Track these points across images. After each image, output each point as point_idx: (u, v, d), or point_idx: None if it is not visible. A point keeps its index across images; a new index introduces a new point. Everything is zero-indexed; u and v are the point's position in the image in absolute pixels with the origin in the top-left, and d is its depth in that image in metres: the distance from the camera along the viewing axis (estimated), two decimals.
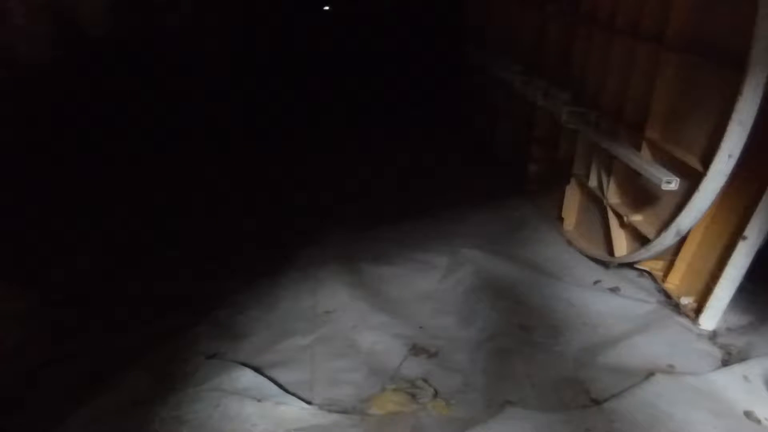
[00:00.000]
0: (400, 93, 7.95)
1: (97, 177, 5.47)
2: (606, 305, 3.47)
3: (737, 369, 2.84)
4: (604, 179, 3.75)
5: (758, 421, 2.60)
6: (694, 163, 2.98)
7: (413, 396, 2.90)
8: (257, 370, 3.08)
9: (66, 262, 4.31)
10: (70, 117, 5.50)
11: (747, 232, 2.92)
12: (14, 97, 5.06)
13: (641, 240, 3.44)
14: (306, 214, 5.00)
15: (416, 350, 3.24)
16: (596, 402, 2.78)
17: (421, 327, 3.46)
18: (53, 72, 5.35)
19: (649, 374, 2.85)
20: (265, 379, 3.01)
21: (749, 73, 2.62)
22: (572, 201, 4.19)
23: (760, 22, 2.56)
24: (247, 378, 3.00)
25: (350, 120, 7.22)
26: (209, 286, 4.00)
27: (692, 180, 2.97)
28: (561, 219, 4.31)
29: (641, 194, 3.45)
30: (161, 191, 5.46)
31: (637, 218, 3.48)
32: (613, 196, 3.71)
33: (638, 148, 3.38)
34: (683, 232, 3.11)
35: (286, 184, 5.65)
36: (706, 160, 2.87)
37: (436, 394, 2.91)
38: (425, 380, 3.00)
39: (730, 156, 2.77)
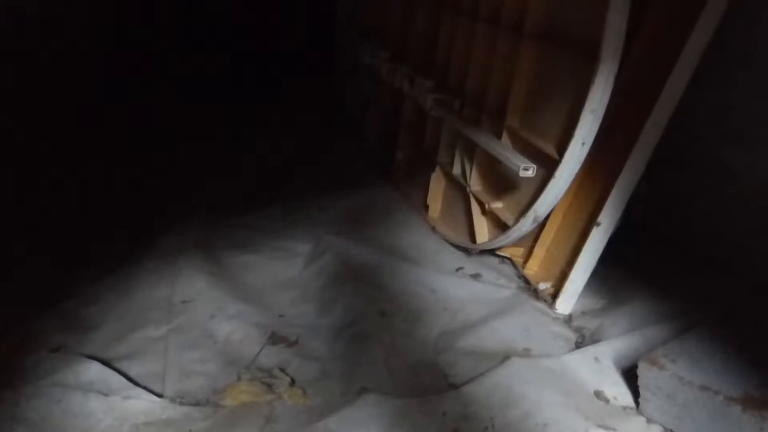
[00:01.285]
0: (272, 81, 7.80)
1: None
2: (466, 291, 3.50)
3: (589, 351, 2.92)
4: (467, 167, 3.78)
5: (607, 400, 2.68)
6: (551, 150, 3.04)
7: (269, 386, 2.80)
8: (105, 363, 2.89)
9: None
10: None
11: (600, 218, 3.01)
12: None
13: (502, 227, 3.48)
14: (166, 201, 4.79)
15: (275, 339, 3.14)
16: (453, 386, 2.78)
17: (281, 315, 3.37)
18: None
19: (505, 357, 2.87)
20: (113, 372, 2.83)
21: (601, 62, 2.68)
22: (437, 189, 4.20)
23: (612, 13, 2.63)
24: (92, 371, 2.81)
25: (221, 108, 6.97)
26: (56, 275, 3.73)
27: (549, 167, 3.02)
28: (426, 206, 4.32)
29: (502, 182, 3.50)
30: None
31: (497, 205, 3.53)
32: (475, 184, 3.74)
33: (499, 136, 3.42)
34: (540, 218, 3.17)
35: (147, 171, 5.39)
36: (561, 148, 2.93)
37: (293, 383, 2.82)
38: (282, 369, 2.91)
39: (583, 143, 2.84)
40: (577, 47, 2.87)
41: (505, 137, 3.40)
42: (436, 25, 4.20)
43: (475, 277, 3.63)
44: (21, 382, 2.76)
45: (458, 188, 3.95)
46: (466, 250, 3.83)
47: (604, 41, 2.66)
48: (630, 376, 2.69)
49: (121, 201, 4.77)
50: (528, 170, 3.01)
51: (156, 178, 5.20)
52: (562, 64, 3.02)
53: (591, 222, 3.05)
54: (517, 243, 3.54)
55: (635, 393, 2.62)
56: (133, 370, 2.90)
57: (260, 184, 5.17)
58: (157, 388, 2.79)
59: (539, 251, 3.45)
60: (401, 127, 4.83)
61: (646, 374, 2.52)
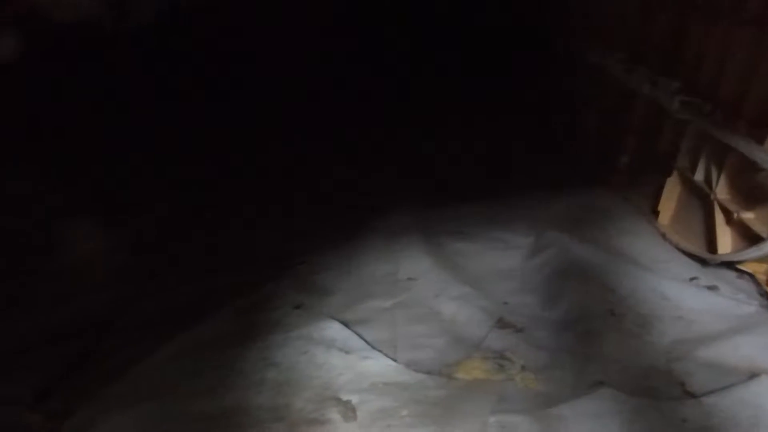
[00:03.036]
0: (472, 80, 7.80)
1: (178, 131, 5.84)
2: (702, 302, 3.30)
3: None
4: (714, 173, 3.57)
5: None
6: None
7: (501, 366, 2.81)
8: (344, 324, 3.07)
9: (147, 209, 4.62)
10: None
11: None
12: None
13: (751, 239, 3.26)
14: (383, 185, 4.97)
15: (502, 323, 3.15)
16: (692, 395, 2.64)
17: (504, 303, 3.37)
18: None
19: (753, 375, 2.69)
20: (352, 333, 3.00)
21: None
22: (671, 194, 4.00)
23: None
24: (334, 330, 3.00)
25: (423, 104, 7.10)
26: (289, 244, 4.07)
27: None
28: (655, 212, 4.13)
29: (757, 191, 3.27)
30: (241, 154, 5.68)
31: (748, 216, 3.30)
32: (722, 192, 3.51)
33: (761, 143, 3.20)
34: None
35: (362, 154, 5.67)
36: None
37: (523, 368, 2.81)
38: (512, 353, 2.91)
39: None
40: None
41: None
42: (684, 26, 4.00)
43: (712, 289, 3.42)
44: (270, 331, 3.01)
45: (699, 195, 3.74)
46: (701, 261, 3.63)
47: None
48: None
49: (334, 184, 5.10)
50: None
51: (365, 165, 5.45)
52: None
53: None
54: (763, 258, 3.30)
55: None
56: (366, 335, 3.03)
57: (470, 179, 5.25)
58: (389, 354, 2.90)
59: None
60: (628, 130, 4.66)
61: None
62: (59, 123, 5.39)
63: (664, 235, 3.93)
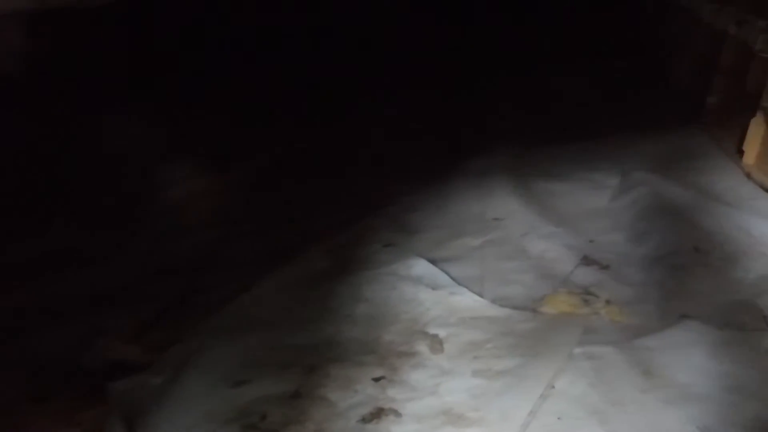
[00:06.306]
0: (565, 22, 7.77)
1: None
2: None
3: None
4: None
5: None
6: None
7: (586, 301, 2.95)
8: (431, 262, 3.24)
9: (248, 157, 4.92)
10: None
11: None
12: None
13: None
14: (474, 127, 5.09)
15: (588, 261, 3.28)
16: None
17: (591, 241, 3.49)
18: None
19: None
20: (439, 270, 3.17)
21: None
22: (756, 134, 3.98)
23: None
24: (421, 267, 3.17)
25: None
26: (381, 186, 4.28)
27: None
28: (740, 152, 4.14)
29: None
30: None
31: None
32: None
33: None
34: None
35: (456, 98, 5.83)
36: None
37: (608, 303, 2.94)
38: (597, 288, 3.05)
39: None
40: None
41: None
42: None
43: None
44: (360, 268, 3.22)
45: None
46: None
47: None
48: None
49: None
50: None
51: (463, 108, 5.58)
52: None
53: None
54: None
55: None
56: (454, 272, 3.21)
57: (557, 120, 5.38)
58: (476, 290, 3.06)
59: None
60: (716, 70, 4.65)
61: None
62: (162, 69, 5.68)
63: (749, 175, 3.96)
